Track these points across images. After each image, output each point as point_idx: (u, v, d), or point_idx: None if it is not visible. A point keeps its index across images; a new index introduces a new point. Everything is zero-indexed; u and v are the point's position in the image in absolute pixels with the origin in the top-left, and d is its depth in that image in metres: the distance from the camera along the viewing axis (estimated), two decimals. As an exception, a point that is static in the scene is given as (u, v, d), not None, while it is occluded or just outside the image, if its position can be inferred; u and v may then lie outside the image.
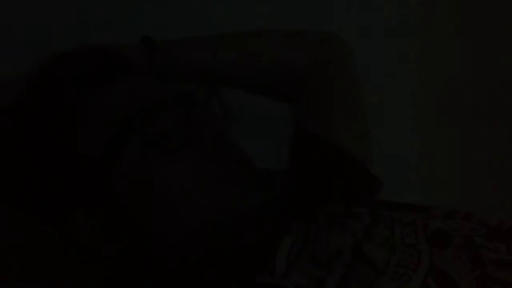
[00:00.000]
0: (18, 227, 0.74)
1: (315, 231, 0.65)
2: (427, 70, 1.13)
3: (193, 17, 0.99)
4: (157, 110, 0.64)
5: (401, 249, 0.61)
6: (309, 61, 0.83)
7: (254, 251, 0.64)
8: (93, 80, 0.66)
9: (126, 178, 0.63)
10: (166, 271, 0.66)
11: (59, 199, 0.65)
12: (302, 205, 0.71)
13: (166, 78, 0.75)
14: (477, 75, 1.15)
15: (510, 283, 0.58)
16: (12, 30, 0.88)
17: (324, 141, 0.80)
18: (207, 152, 0.64)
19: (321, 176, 0.78)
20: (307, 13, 1.05)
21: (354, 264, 0.59)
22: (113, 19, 0.94)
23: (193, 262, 0.65)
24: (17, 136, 0.66)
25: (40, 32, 0.88)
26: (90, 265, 0.68)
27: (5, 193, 0.68)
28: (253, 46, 0.82)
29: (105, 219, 0.65)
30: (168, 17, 0.97)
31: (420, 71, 1.12)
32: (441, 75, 1.14)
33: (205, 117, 0.66)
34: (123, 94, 0.66)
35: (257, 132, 0.99)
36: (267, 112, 0.96)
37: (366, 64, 0.88)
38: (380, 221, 0.66)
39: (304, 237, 0.64)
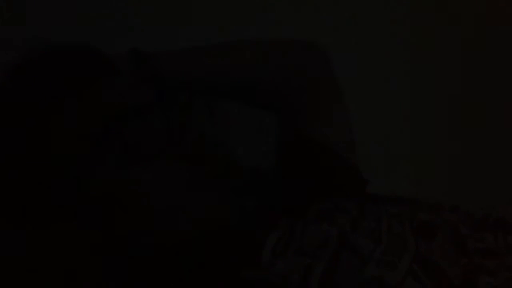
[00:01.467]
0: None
1: (302, 226, 0.65)
2: (417, 67, 1.14)
3: (182, 27, 0.99)
4: (137, 114, 0.63)
5: (387, 239, 0.62)
6: (286, 71, 0.83)
7: (240, 247, 0.64)
8: (71, 81, 0.65)
9: (105, 186, 0.62)
10: (154, 272, 0.66)
11: (36, 206, 0.64)
12: (290, 202, 0.71)
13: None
14: (464, 75, 1.16)
15: (496, 271, 0.59)
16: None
17: (310, 142, 0.81)
18: (190, 157, 0.63)
19: (309, 175, 0.79)
20: (298, 22, 1.06)
21: (340, 252, 0.60)
22: (105, 28, 0.93)
23: (179, 262, 0.65)
24: None
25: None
26: (81, 273, 0.67)
27: None
28: (234, 58, 0.81)
29: (89, 228, 0.64)
30: (157, 28, 0.97)
31: (411, 68, 1.13)
32: (431, 73, 1.16)
33: (187, 120, 0.65)
34: (102, 98, 0.64)
35: (244, 135, 0.99)
36: (253, 116, 0.97)
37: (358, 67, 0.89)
38: (367, 214, 0.67)
39: (291, 232, 0.65)
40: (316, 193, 0.75)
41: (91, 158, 0.62)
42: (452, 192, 1.08)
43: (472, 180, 1.15)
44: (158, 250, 0.65)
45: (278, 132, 0.85)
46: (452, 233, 0.63)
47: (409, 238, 0.62)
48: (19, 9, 0.87)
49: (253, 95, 0.83)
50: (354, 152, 0.86)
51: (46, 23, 0.88)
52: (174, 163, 0.63)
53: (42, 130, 0.63)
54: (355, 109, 0.87)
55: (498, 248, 0.62)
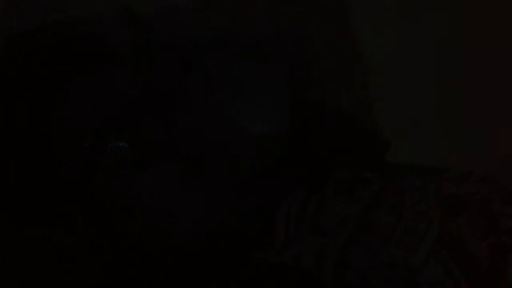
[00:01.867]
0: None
1: (318, 199, 0.63)
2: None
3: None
4: (136, 114, 0.62)
5: (410, 216, 0.60)
6: (299, 30, 0.83)
7: (240, 247, 0.63)
8: (70, 78, 0.64)
9: (105, 186, 0.62)
10: (154, 272, 0.66)
11: (36, 206, 0.64)
12: (303, 172, 0.68)
13: (148, 56, 0.69)
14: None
15: None
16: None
17: (324, 105, 0.79)
18: (190, 157, 0.62)
19: (324, 141, 0.75)
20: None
21: (358, 232, 0.58)
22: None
23: (179, 262, 0.65)
24: None
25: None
26: (81, 273, 0.67)
27: None
28: (243, 14, 0.81)
29: (89, 228, 0.64)
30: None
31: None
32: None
33: (186, 120, 0.64)
34: (102, 97, 0.63)
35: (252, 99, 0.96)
36: (262, 79, 0.95)
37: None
38: (389, 186, 0.64)
39: (305, 206, 0.62)
40: (333, 161, 0.72)
41: (91, 158, 0.62)
42: (482, 162, 1.02)
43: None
44: (158, 250, 0.65)
45: (290, 96, 0.81)
46: (482, 207, 0.60)
47: (433, 214, 0.59)
48: (19, 8, 0.87)
49: (262, 55, 0.79)
50: (372, 114, 0.84)
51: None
52: (173, 163, 0.63)
53: (42, 130, 0.63)
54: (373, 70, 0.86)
55: None
